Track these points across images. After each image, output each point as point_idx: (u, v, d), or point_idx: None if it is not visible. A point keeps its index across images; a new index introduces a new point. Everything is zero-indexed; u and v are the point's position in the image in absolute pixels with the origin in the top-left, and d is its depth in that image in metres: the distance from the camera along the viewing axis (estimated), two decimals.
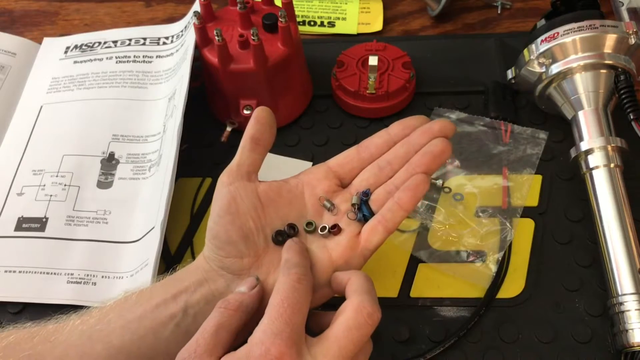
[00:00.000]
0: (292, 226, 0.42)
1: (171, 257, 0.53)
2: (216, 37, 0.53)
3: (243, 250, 0.41)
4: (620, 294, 0.45)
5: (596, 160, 0.51)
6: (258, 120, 0.44)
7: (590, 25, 0.53)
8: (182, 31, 0.67)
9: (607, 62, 0.53)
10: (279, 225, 0.42)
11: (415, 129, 0.44)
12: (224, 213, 0.41)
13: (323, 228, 0.42)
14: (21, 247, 0.53)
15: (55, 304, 0.50)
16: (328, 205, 0.43)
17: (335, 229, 0.42)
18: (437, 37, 0.70)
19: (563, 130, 0.58)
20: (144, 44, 0.68)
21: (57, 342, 0.38)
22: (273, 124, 0.44)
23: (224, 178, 0.42)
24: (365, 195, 0.43)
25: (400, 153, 0.43)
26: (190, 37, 0.59)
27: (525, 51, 0.57)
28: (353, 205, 0.42)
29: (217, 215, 0.41)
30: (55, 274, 0.51)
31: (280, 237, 0.41)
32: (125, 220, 0.54)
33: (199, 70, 0.58)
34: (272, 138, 0.44)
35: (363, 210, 0.42)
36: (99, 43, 0.68)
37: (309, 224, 0.42)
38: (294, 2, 0.60)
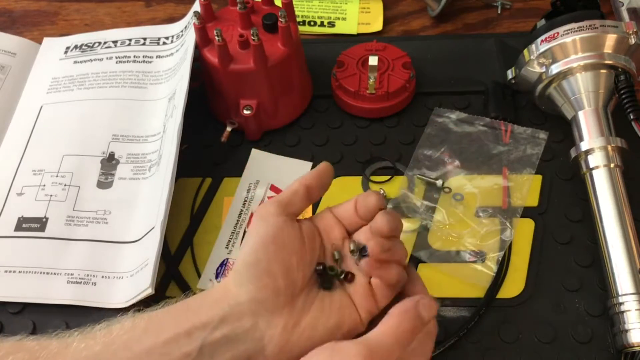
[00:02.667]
0: (332, 268, 0.41)
1: (171, 257, 0.53)
2: (216, 37, 0.53)
3: (281, 285, 0.38)
4: (620, 294, 0.45)
5: (596, 160, 0.51)
6: (320, 175, 0.43)
7: (590, 25, 0.53)
8: (182, 31, 0.67)
9: (607, 62, 0.53)
10: (313, 266, 0.40)
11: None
12: (269, 242, 0.39)
13: (340, 273, 0.41)
14: (21, 247, 0.53)
15: (56, 304, 0.50)
16: (337, 256, 0.42)
17: (349, 277, 0.41)
18: (437, 37, 0.70)
19: (563, 130, 0.58)
20: (144, 44, 0.68)
21: None
22: (329, 183, 0.43)
23: (271, 209, 0.40)
24: (365, 250, 0.41)
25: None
26: (190, 37, 0.59)
27: (525, 51, 0.57)
28: (352, 252, 0.41)
29: (261, 242, 0.39)
30: (55, 274, 0.51)
31: (326, 284, 0.40)
32: (125, 220, 0.54)
33: (199, 70, 0.58)
34: (321, 195, 0.43)
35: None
36: (99, 43, 0.68)
37: (331, 268, 0.41)
38: (294, 2, 0.60)
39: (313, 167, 0.58)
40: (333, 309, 0.39)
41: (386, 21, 0.72)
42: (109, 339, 0.37)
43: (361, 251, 0.41)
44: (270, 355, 0.38)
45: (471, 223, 0.53)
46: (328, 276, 0.40)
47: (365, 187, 0.57)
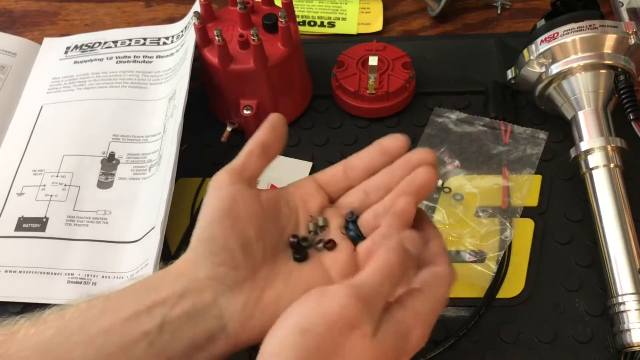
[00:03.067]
0: (305, 239, 0.39)
1: (171, 257, 0.53)
2: (216, 37, 0.53)
3: (239, 260, 0.37)
4: (620, 294, 0.46)
5: (596, 160, 0.51)
6: (272, 127, 0.40)
7: (590, 26, 0.53)
8: (182, 31, 0.67)
9: (607, 62, 0.53)
10: (277, 238, 0.39)
11: (397, 157, 0.41)
12: (223, 215, 0.37)
13: (319, 241, 0.39)
14: (21, 247, 0.53)
15: (56, 304, 0.50)
16: (321, 223, 0.40)
17: (329, 244, 0.39)
18: (437, 37, 0.70)
19: (563, 130, 0.58)
20: (144, 44, 0.68)
21: (6, 357, 0.33)
22: (285, 134, 0.41)
23: (224, 178, 0.38)
24: (351, 215, 0.40)
25: (384, 182, 0.41)
26: (191, 37, 0.59)
27: (525, 51, 0.57)
28: (320, 227, 0.40)
29: (215, 216, 0.37)
30: (55, 274, 0.51)
31: (298, 255, 0.39)
32: (125, 220, 0.54)
33: (199, 70, 0.58)
34: (279, 150, 0.41)
35: (350, 227, 0.40)
36: (99, 43, 0.68)
37: (304, 239, 0.39)
38: (294, 2, 0.60)
39: (313, 167, 0.58)
40: (300, 284, 0.37)
41: (386, 21, 0.72)
42: (63, 323, 0.34)
43: (348, 217, 0.40)
44: (232, 334, 0.36)
45: (471, 223, 0.53)
46: (300, 248, 0.38)
47: None
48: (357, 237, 0.39)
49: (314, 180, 0.42)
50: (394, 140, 0.41)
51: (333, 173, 0.42)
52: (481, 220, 0.53)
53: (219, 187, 0.38)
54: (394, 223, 0.38)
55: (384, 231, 0.38)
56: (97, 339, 0.34)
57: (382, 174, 0.41)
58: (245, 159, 0.39)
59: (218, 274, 0.36)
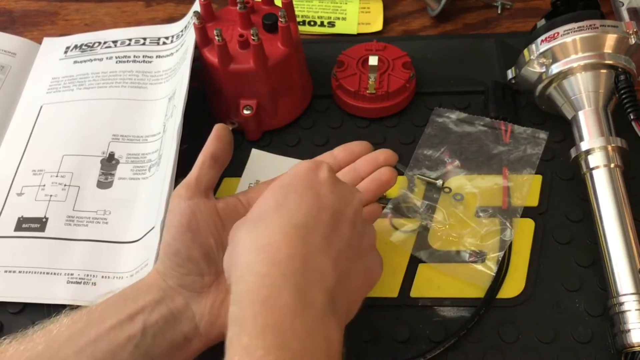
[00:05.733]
0: None
1: None
2: (216, 37, 0.53)
3: (204, 268, 0.40)
4: (620, 294, 0.45)
5: (596, 160, 0.51)
6: (219, 138, 0.45)
7: (590, 25, 0.53)
8: (182, 31, 0.67)
9: (607, 62, 0.53)
10: None
11: (361, 156, 0.45)
12: (184, 230, 0.40)
13: None
14: (21, 247, 0.53)
15: (55, 304, 0.50)
16: None
17: None
18: (437, 37, 0.70)
19: (563, 130, 0.58)
20: (144, 44, 0.68)
21: None
22: (231, 143, 0.45)
23: (182, 192, 0.42)
24: None
25: (346, 179, 0.44)
26: (190, 37, 0.59)
27: (526, 51, 0.57)
28: None
29: (177, 232, 0.40)
30: (55, 274, 0.51)
31: None
32: (125, 220, 0.54)
33: (199, 70, 0.58)
34: (229, 157, 0.45)
35: None
36: (99, 43, 0.68)
37: None
38: (294, 2, 0.60)
39: None
40: None
41: (386, 21, 0.72)
42: (50, 338, 0.37)
43: None
44: (204, 332, 0.40)
45: (471, 223, 0.53)
46: None
47: None
48: None
49: (267, 183, 0.45)
50: (359, 145, 0.46)
51: None
52: (481, 221, 0.53)
53: (178, 202, 0.41)
54: None
55: None
56: (87, 349, 0.37)
57: (346, 170, 0.45)
58: (199, 172, 0.43)
59: (186, 282, 0.40)
